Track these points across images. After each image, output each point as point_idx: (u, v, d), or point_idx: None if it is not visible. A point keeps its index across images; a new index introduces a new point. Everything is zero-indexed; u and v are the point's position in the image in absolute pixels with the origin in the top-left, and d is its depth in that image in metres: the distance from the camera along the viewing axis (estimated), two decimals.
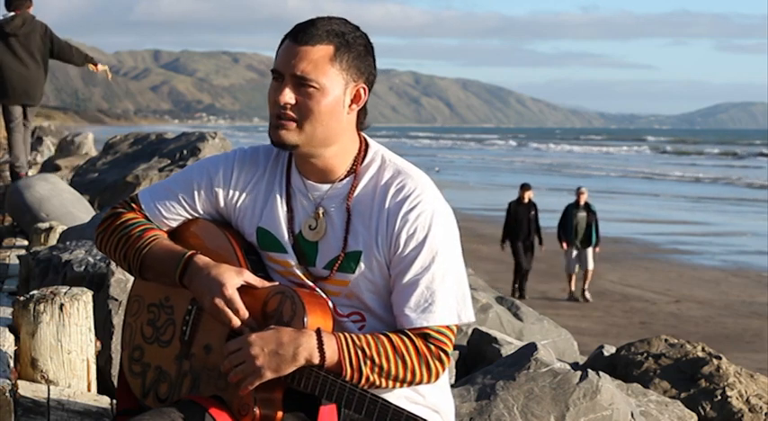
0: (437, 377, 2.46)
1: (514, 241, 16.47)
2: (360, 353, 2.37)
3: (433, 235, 2.45)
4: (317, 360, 2.35)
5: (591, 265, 16.27)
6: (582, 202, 16.83)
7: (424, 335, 2.43)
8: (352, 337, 2.39)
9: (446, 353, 2.45)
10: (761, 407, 5.93)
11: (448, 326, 2.45)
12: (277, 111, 2.45)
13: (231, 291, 2.43)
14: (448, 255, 2.47)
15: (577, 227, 16.61)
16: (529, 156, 73.59)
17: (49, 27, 9.94)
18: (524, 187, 17.00)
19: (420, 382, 2.44)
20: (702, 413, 5.91)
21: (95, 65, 10.12)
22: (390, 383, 2.41)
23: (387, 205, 2.48)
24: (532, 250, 16.49)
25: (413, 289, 2.44)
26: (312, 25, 2.45)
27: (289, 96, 2.44)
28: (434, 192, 2.51)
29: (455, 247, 2.50)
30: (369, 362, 2.38)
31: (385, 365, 2.39)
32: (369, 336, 2.41)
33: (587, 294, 15.90)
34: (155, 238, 2.58)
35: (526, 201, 16.69)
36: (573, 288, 16.14)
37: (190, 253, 2.51)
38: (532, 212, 16.61)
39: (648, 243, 20.69)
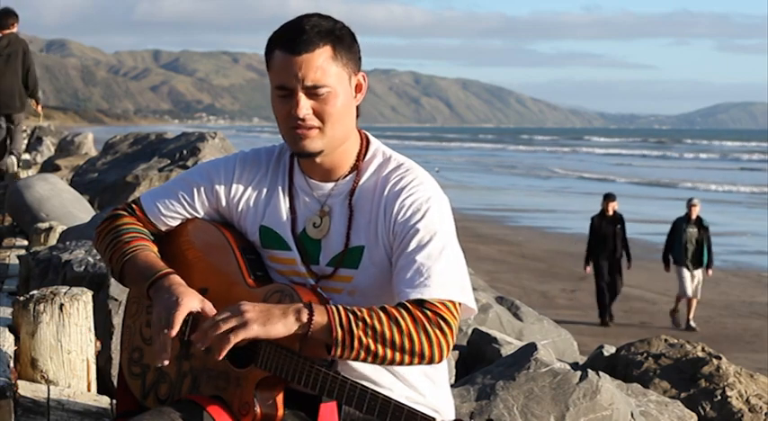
0: (440, 350, 2.35)
1: (598, 260, 14.60)
2: (350, 315, 2.33)
3: (429, 216, 2.46)
4: (305, 317, 2.30)
5: (698, 292, 14.36)
6: (693, 217, 14.72)
7: (419, 301, 2.37)
8: (342, 305, 2.36)
9: (446, 321, 2.36)
10: (761, 407, 5.93)
11: (447, 301, 2.39)
12: (294, 123, 2.45)
13: (182, 311, 2.40)
14: (444, 237, 2.45)
15: (687, 245, 14.57)
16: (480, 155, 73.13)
17: (28, 47, 11.70)
18: (608, 198, 14.96)
19: (422, 353, 2.34)
20: (702, 413, 5.92)
21: (37, 104, 12.07)
22: (389, 352, 2.33)
23: (385, 194, 2.50)
24: (620, 269, 14.61)
25: (409, 266, 2.41)
26: (302, 32, 2.45)
27: (306, 108, 2.44)
28: (433, 183, 2.53)
29: (451, 233, 2.49)
30: (360, 324, 2.32)
31: (378, 326, 2.32)
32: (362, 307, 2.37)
33: (692, 323, 13.96)
34: (140, 248, 2.58)
35: (611, 213, 14.73)
36: (679, 311, 14.19)
37: (165, 271, 2.51)
38: (618, 226, 14.67)
39: (648, 243, 20.65)
